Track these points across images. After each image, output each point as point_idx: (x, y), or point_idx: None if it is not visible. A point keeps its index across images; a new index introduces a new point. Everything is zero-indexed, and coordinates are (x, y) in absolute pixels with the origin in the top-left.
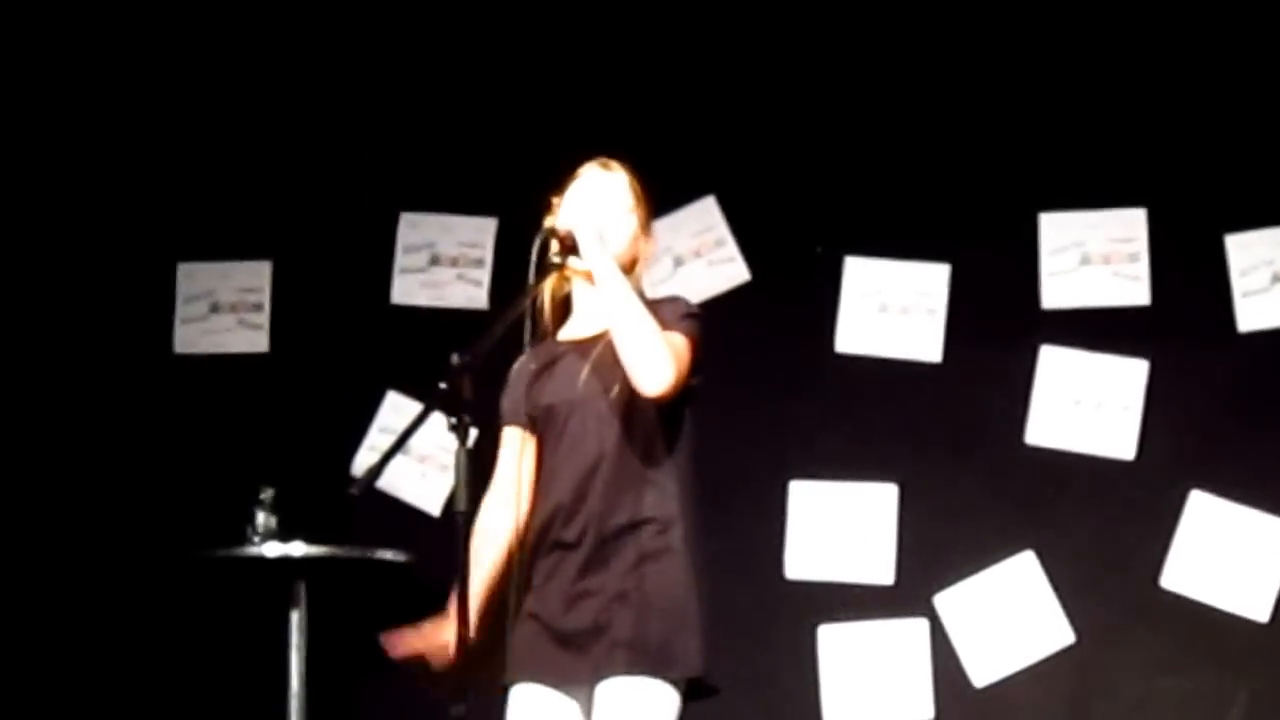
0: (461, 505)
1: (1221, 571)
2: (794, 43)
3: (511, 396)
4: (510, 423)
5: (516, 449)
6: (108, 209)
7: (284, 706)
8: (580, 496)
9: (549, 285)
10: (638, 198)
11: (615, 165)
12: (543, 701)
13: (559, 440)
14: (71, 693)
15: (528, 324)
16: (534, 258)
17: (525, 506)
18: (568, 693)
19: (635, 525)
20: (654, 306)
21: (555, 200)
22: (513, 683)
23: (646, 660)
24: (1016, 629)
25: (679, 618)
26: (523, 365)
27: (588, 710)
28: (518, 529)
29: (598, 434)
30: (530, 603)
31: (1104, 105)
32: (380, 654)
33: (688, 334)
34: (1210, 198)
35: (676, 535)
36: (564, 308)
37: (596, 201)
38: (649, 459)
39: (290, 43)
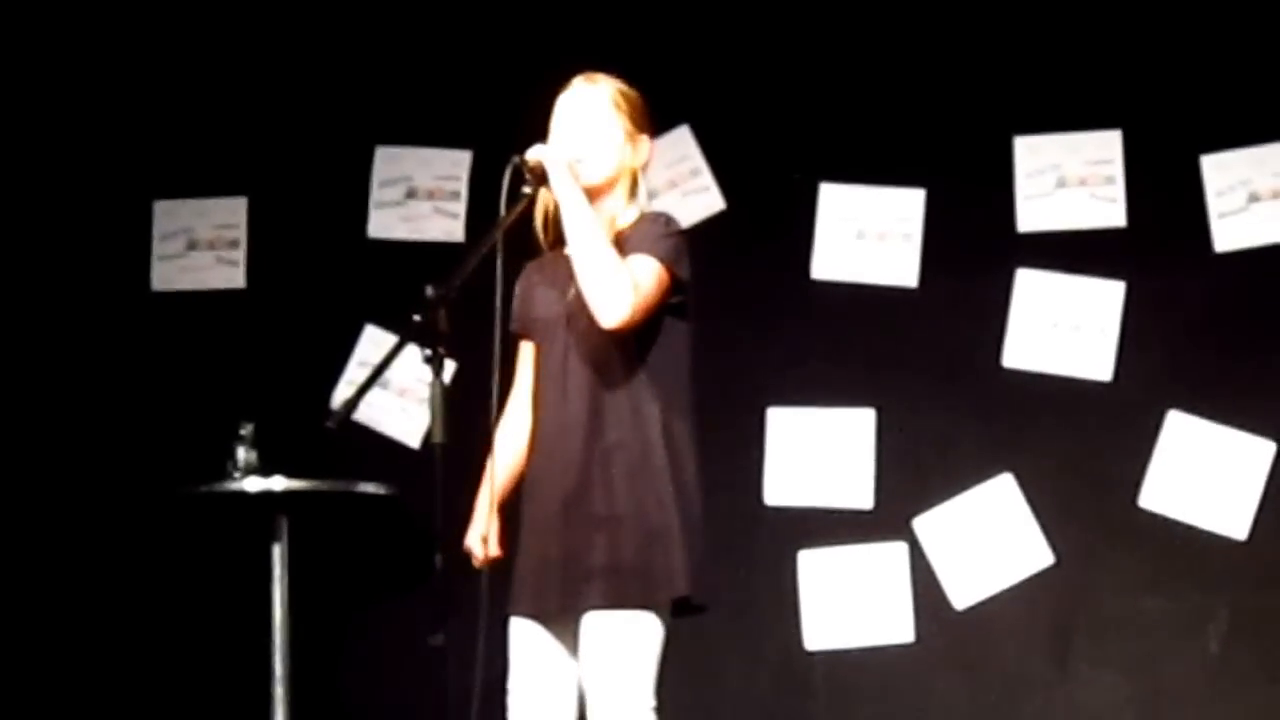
0: (438, 437)
1: (1200, 490)
2: None
3: (518, 307)
4: (521, 335)
5: (527, 360)
6: (83, 147)
7: (268, 640)
8: (564, 415)
9: (550, 201)
10: (619, 108)
11: (600, 78)
12: (537, 637)
13: (547, 356)
14: (53, 631)
15: (499, 255)
16: (505, 189)
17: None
18: (560, 623)
19: (616, 446)
20: (634, 226)
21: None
22: (511, 614)
23: (626, 590)
24: (996, 551)
25: (660, 540)
26: (527, 276)
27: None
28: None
29: (580, 350)
30: (525, 531)
31: (1078, 27)
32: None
33: (662, 257)
34: (1185, 118)
35: (659, 455)
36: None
37: (576, 122)
38: (631, 378)
39: None
